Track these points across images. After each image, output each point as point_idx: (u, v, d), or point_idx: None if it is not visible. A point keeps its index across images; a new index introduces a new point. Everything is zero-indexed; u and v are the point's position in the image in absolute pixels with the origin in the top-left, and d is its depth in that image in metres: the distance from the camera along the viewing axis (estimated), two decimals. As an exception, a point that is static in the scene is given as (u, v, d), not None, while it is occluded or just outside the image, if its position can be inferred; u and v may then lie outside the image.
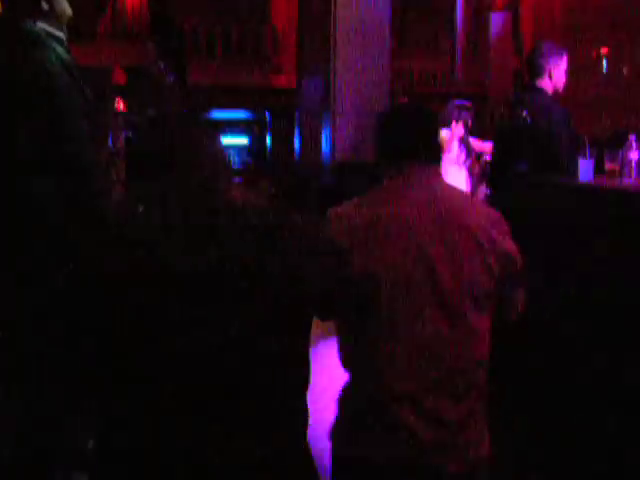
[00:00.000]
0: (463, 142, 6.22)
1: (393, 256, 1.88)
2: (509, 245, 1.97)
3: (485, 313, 1.94)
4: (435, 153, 2.06)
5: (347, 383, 2.01)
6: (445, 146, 6.17)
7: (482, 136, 6.60)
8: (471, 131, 6.40)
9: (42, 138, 2.06)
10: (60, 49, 2.26)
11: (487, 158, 6.07)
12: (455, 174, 6.05)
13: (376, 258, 1.88)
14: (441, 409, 1.89)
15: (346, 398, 2.02)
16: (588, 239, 3.54)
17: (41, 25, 2.27)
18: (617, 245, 3.38)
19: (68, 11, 2.33)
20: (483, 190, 5.90)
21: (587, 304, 3.62)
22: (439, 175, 2.05)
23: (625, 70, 8.43)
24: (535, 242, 3.72)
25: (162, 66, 10.15)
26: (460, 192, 2.17)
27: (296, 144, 13.58)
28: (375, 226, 1.91)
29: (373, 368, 1.91)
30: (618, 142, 3.75)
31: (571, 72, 4.77)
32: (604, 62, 8.51)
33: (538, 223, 3.73)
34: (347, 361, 2.00)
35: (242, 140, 14.99)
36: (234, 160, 15.11)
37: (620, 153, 3.73)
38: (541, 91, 4.51)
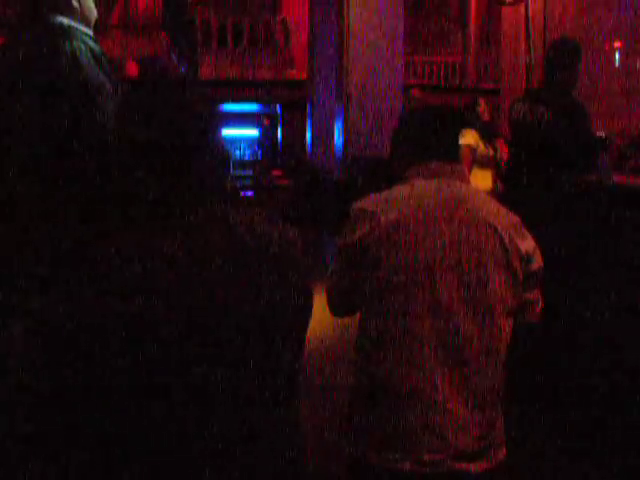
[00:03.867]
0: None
1: (420, 256, 1.89)
2: (530, 246, 1.97)
3: (508, 316, 1.95)
4: (459, 153, 2.09)
5: (362, 380, 1.99)
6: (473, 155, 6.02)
7: (495, 130, 6.57)
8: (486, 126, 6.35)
9: (75, 127, 2.10)
10: (90, 42, 2.31)
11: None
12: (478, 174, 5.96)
13: (403, 258, 1.89)
14: (465, 413, 1.89)
15: (361, 396, 2.01)
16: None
17: (68, 21, 2.31)
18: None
19: (95, 12, 2.38)
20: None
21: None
22: (465, 175, 2.07)
23: (638, 63, 8.38)
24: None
25: (174, 58, 10.17)
26: (484, 194, 2.18)
27: (307, 137, 13.57)
28: (402, 226, 1.91)
29: (393, 365, 1.90)
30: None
31: (584, 66, 4.74)
32: (617, 55, 8.46)
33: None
34: (366, 358, 1.98)
35: (253, 132, 15.00)
36: (244, 152, 15.11)
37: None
38: (561, 88, 4.48)
